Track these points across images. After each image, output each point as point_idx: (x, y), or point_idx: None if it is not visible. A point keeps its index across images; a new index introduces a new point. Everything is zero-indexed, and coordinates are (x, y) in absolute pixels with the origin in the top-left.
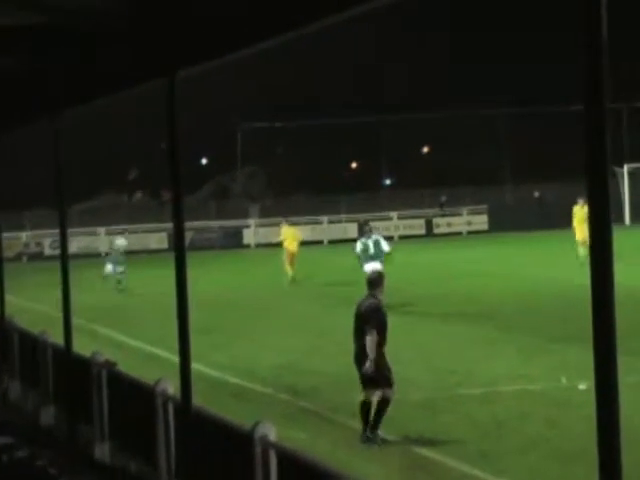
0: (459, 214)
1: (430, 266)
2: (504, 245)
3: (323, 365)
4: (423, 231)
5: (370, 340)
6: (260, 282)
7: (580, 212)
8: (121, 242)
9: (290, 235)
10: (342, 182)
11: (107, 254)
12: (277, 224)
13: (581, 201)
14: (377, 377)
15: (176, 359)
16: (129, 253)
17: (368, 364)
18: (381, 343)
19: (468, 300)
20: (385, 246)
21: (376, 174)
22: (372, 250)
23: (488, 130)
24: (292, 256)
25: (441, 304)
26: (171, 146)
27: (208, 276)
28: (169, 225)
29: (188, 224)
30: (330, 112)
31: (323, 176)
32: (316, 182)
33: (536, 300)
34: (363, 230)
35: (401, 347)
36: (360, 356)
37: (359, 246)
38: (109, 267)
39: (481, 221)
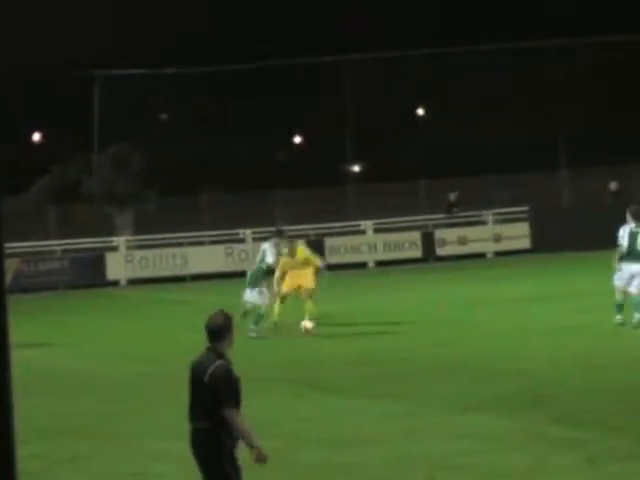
0: (482, 222)
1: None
2: (566, 275)
3: None
4: (418, 252)
5: (235, 421)
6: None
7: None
8: None
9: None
10: (275, 169)
11: None
12: (162, 245)
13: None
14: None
15: None
16: None
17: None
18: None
19: None
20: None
21: (336, 154)
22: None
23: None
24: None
25: None
26: None
27: (47, 341)
28: None
29: (10, 246)
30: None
31: (244, 161)
32: (228, 171)
33: None
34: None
35: None
36: (203, 440)
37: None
38: None
39: (519, 233)
